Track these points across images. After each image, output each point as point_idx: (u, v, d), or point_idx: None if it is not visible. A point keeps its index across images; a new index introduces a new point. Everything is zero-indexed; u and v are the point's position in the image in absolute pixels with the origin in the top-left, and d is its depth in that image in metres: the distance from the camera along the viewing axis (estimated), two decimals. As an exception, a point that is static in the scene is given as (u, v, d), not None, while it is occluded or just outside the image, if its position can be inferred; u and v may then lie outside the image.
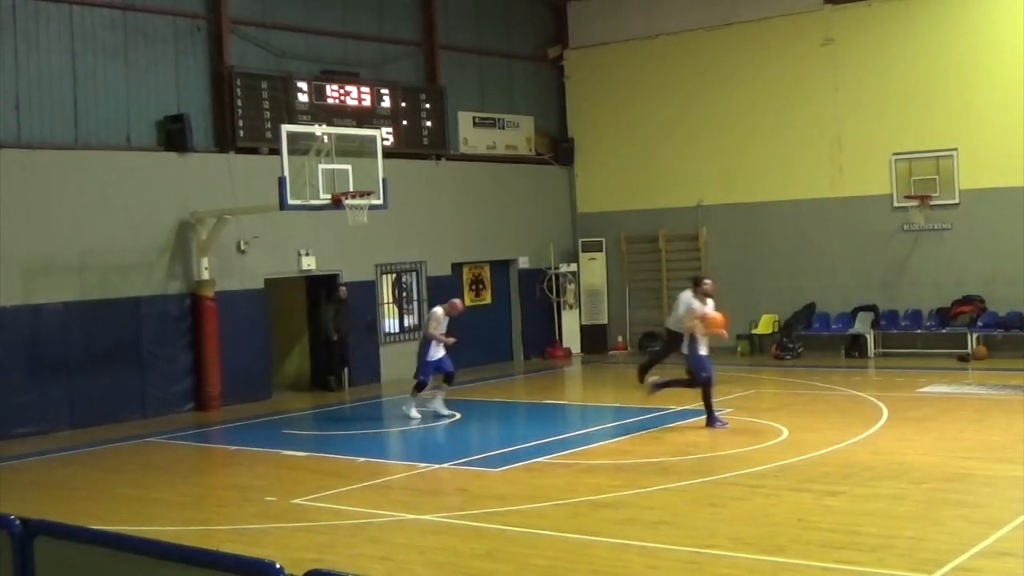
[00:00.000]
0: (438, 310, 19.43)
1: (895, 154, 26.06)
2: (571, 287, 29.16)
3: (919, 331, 25.89)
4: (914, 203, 25.71)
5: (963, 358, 24.54)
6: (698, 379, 17.17)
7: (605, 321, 29.55)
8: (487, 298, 28.07)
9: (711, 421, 16.92)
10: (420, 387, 19.26)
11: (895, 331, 26.18)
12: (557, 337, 29.02)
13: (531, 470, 14.35)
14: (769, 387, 21.94)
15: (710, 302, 17.61)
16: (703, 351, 17.22)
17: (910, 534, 10.37)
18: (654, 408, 18.43)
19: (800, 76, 27.24)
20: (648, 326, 29.08)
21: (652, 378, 19.33)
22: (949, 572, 9.10)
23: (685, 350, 17.50)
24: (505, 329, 28.48)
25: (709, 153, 28.31)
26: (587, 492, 12.68)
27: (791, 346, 26.33)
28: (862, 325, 26.30)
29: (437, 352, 19.18)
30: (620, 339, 29.44)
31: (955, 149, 25.40)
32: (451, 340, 19.27)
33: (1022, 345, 24.65)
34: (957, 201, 25.47)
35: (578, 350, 29.01)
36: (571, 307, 29.18)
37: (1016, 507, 11.10)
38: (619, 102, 29.57)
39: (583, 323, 29.30)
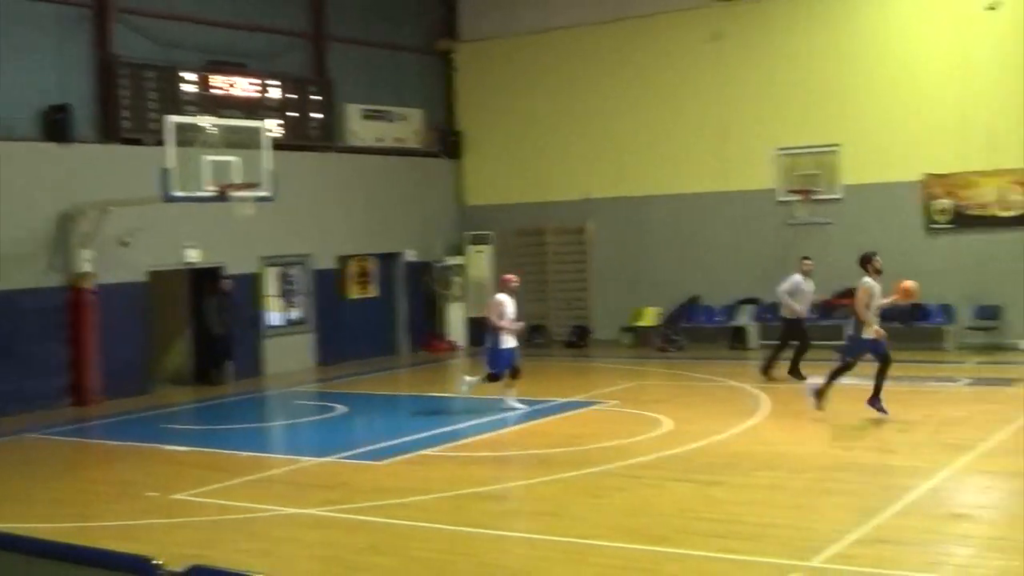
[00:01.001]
0: (501, 296, 18.44)
1: (779, 149, 26.42)
2: (457, 280, 29.12)
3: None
4: (797, 197, 26.10)
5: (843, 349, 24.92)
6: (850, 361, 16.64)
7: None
8: (373, 291, 27.92)
9: (875, 402, 16.21)
10: (493, 379, 18.46)
11: (777, 323, 26.51)
12: (443, 330, 28.98)
13: (415, 463, 14.32)
14: (653, 379, 22.14)
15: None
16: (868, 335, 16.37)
17: (789, 522, 10.53)
18: (536, 400, 18.48)
19: (687, 71, 27.51)
20: (533, 319, 29.17)
21: (808, 383, 17.79)
22: (827, 559, 9.24)
23: (852, 331, 16.84)
24: (391, 322, 28.34)
25: (597, 147, 28.47)
26: (471, 484, 12.68)
27: (675, 338, 26.59)
28: (745, 317, 26.66)
29: (509, 341, 18.39)
30: (506, 332, 29.48)
31: (838, 145, 25.82)
32: (519, 326, 18.64)
33: (901, 337, 25.12)
34: (839, 196, 25.91)
35: (463, 342, 28.99)
36: (456, 300, 29.15)
37: (892, 495, 11.32)
38: (508, 96, 29.61)
39: (469, 316, 29.28)
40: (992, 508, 11.28)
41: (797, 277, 20.81)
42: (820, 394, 16.50)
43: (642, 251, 28.07)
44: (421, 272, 28.76)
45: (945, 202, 25.15)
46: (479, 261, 29.44)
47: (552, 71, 29.01)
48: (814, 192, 26.00)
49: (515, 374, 18.36)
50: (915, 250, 24.92)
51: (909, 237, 25.21)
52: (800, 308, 20.77)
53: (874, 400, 16.07)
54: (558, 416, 17.57)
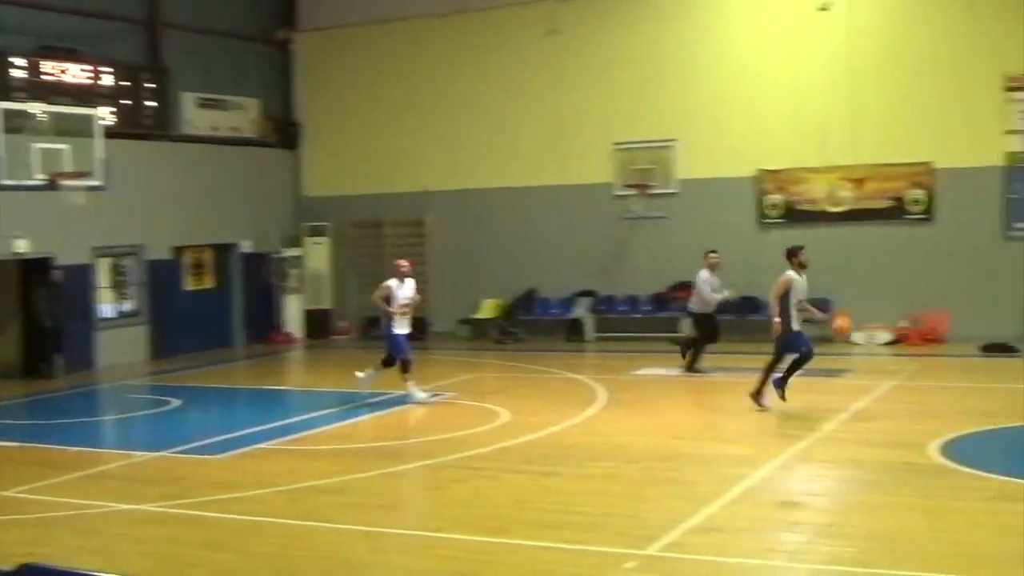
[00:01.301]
0: (389, 281, 18.07)
1: (616, 144, 26.74)
2: (294, 272, 28.86)
3: (636, 316, 26.67)
4: (633, 192, 26.45)
5: (677, 341, 25.35)
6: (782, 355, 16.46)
7: (329, 306, 29.37)
8: (209, 282, 27.50)
9: (763, 393, 16.26)
10: (387, 364, 18.06)
11: (613, 316, 26.90)
12: (280, 322, 28.69)
13: (252, 456, 14.15)
14: (490, 371, 22.21)
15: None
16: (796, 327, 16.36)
17: (624, 512, 10.67)
18: (375, 393, 18.40)
19: (525, 65, 27.65)
20: (372, 311, 29.03)
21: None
22: (661, 548, 9.39)
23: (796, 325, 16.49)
24: (227, 314, 27.92)
25: (436, 139, 28.46)
26: (309, 477, 12.58)
27: (512, 330, 26.72)
28: (581, 310, 26.93)
29: (402, 327, 17.93)
30: (343, 324, 29.32)
31: (673, 140, 26.23)
32: (406, 309, 17.98)
33: (732, 329, 25.64)
34: (674, 190, 26.32)
35: (301, 335, 28.74)
36: (294, 292, 28.87)
37: (725, 484, 11.54)
38: (347, 86, 29.41)
39: (306, 308, 29.04)
40: (822, 496, 11.58)
41: (705, 273, 20.77)
42: (757, 393, 16.34)
43: (481, 244, 28.15)
44: (258, 264, 28.42)
45: (777, 197, 25.73)
46: (317, 253, 29.21)
47: (391, 63, 28.89)
48: (650, 187, 26.37)
49: (405, 366, 17.82)
50: (748, 244, 25.46)
51: (742, 231, 25.74)
52: (716, 299, 20.70)
53: (759, 394, 16.27)
54: (397, 409, 17.52)
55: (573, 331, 26.79)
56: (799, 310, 16.37)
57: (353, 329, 29.15)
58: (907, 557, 9.14)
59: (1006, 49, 23.96)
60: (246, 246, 28.14)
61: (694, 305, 20.90)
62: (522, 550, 9.50)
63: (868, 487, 11.78)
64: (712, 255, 20.95)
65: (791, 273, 16.44)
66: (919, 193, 24.81)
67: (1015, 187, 24.14)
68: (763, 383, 16.22)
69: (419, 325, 28.08)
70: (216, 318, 27.40)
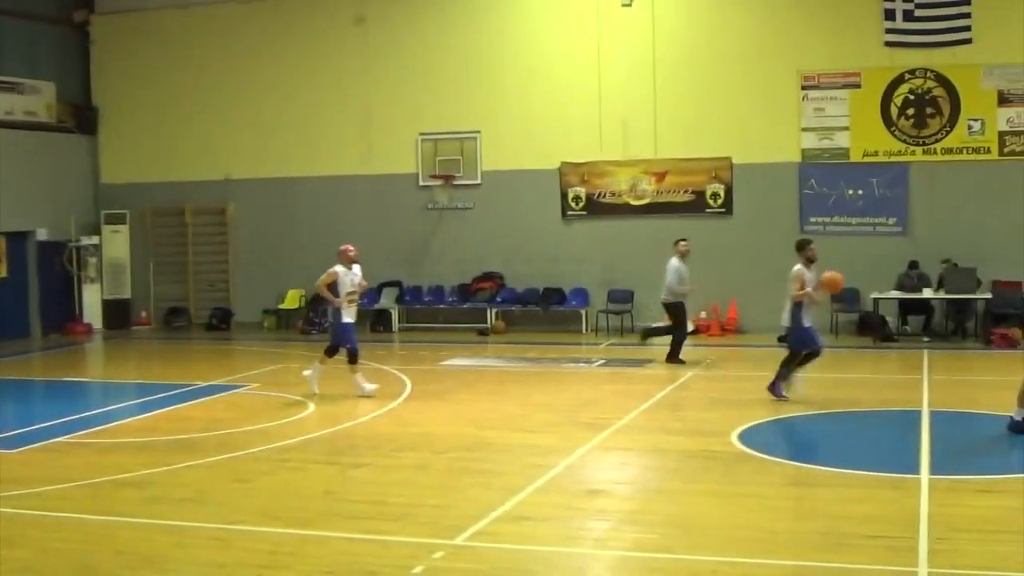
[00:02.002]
0: (335, 268, 17.13)
1: (422, 134, 26.76)
2: (93, 260, 28.13)
3: (441, 306, 26.77)
4: (438, 182, 26.51)
5: (483, 332, 25.56)
6: (798, 351, 16.38)
7: (128, 296, 28.72)
8: (2, 271, 26.63)
9: (776, 388, 16.17)
10: (330, 353, 17.38)
11: (419, 306, 26.93)
12: (78, 312, 27.94)
13: (50, 450, 13.74)
14: (296, 361, 21.94)
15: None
16: (808, 323, 16.33)
17: (433, 502, 10.69)
18: (178, 384, 18.09)
19: (332, 54, 27.47)
20: (173, 301, 28.59)
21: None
22: (469, 537, 9.44)
23: (787, 322, 16.76)
24: (22, 304, 27.10)
25: (240, 127, 28.07)
26: (111, 471, 12.27)
27: (318, 321, 26.51)
28: (387, 300, 26.89)
29: (348, 316, 17.14)
30: (144, 314, 28.72)
31: (478, 131, 26.38)
32: (354, 296, 17.25)
33: (538, 320, 25.96)
34: (479, 182, 26.47)
35: (100, 325, 28.05)
36: (93, 281, 28.15)
37: (532, 473, 11.66)
38: (148, 71, 28.77)
39: (105, 298, 28.35)
40: (627, 484, 11.78)
41: (675, 261, 20.64)
42: (778, 383, 16.24)
43: (286, 233, 27.88)
44: (55, 252, 27.62)
45: (580, 190, 26.07)
46: (116, 241, 28.54)
47: (194, 48, 28.39)
48: (455, 177, 26.48)
49: (352, 356, 17.13)
50: (552, 236, 25.78)
51: (546, 223, 26.05)
52: (683, 290, 20.67)
53: (777, 385, 16.22)
54: (200, 400, 17.23)
55: (379, 321, 26.74)
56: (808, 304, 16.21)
57: (153, 319, 28.58)
58: (708, 542, 9.37)
59: (803, 48, 24.77)
60: (42, 234, 27.34)
61: (666, 295, 20.79)
62: (330, 542, 9.45)
63: (670, 474, 12.03)
64: (682, 243, 20.90)
65: (801, 267, 16.35)
66: (719, 187, 25.44)
67: (810, 182, 24.95)
68: (782, 376, 16.21)
69: (223, 316, 27.83)
70: (10, 308, 26.56)
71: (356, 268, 17.31)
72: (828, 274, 16.31)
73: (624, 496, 11.18)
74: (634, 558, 9.07)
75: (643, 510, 10.60)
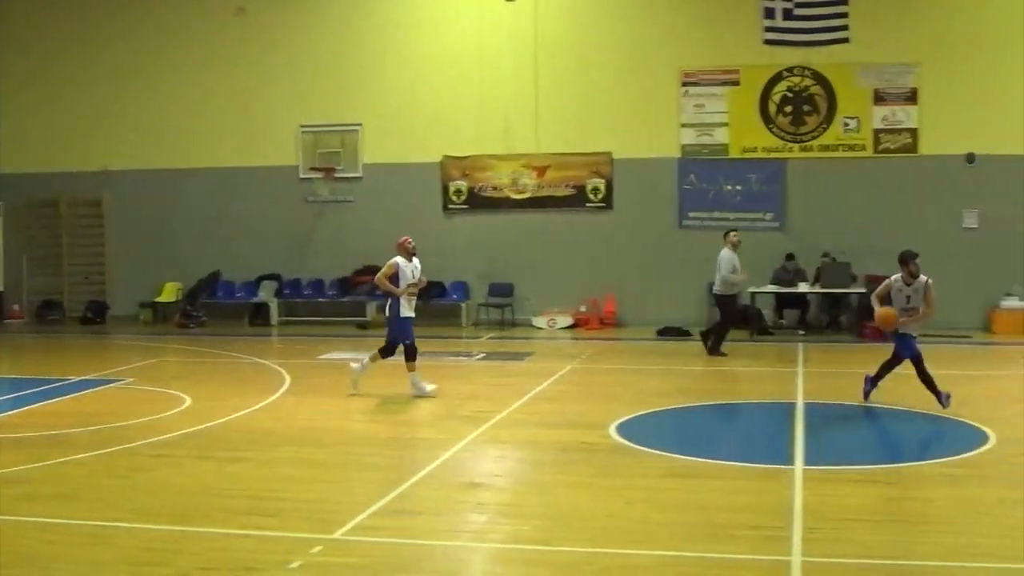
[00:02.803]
0: (395, 259, 16.33)
1: (302, 126, 26.57)
2: (-36, 252, 27.53)
3: (321, 300, 26.61)
4: (319, 175, 26.35)
5: (362, 325, 25.44)
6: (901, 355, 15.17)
7: (0, 289, 28.11)
8: None
9: (939, 398, 14.74)
10: (390, 352, 16.49)
11: (298, 299, 26.75)
12: (-53, 305, 27.33)
13: (-83, 447, 13.40)
14: (172, 356, 21.73)
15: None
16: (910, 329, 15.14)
17: (312, 496, 10.62)
18: (51, 379, 17.75)
19: (212, 44, 27.17)
20: (47, 294, 28.05)
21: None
22: (348, 531, 9.39)
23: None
24: None
25: (117, 117, 27.64)
26: (-20, 468, 12.02)
27: (195, 314, 26.24)
28: (266, 294, 26.67)
29: (407, 310, 16.41)
30: (16, 307, 28.13)
31: (360, 124, 26.26)
32: (413, 291, 16.43)
33: (418, 313, 25.81)
34: (360, 174, 26.36)
35: (-29, 319, 27.46)
36: (-37, 273, 27.55)
37: (411, 466, 11.65)
38: (21, 60, 28.17)
39: (-23, 290, 27.77)
40: (505, 476, 11.80)
41: (726, 252, 20.61)
42: (875, 382, 15.48)
43: (163, 225, 27.51)
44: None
45: (461, 183, 26.08)
46: (-13, 233, 27.95)
47: (67, 35, 27.88)
48: (336, 170, 26.33)
49: (411, 354, 16.32)
50: (433, 229, 25.76)
51: (428, 217, 26.03)
52: (737, 279, 20.67)
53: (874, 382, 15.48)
54: (74, 395, 16.91)
55: (258, 315, 26.52)
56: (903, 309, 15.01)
57: (26, 313, 28.02)
58: (586, 534, 9.43)
59: (683, 44, 25.07)
60: (-90, 225, 26.68)
61: (719, 287, 20.75)
62: (208, 538, 9.34)
63: (548, 467, 12.09)
64: (732, 234, 20.83)
65: (897, 279, 15.07)
66: (599, 182, 25.63)
67: (689, 178, 25.24)
68: (878, 378, 15.45)
69: (98, 309, 27.36)
70: None
71: (415, 261, 16.56)
72: (882, 311, 15.12)
73: (503, 489, 11.21)
74: (512, 550, 9.10)
75: (521, 503, 10.64)
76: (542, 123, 25.67)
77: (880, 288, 15.28)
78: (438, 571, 8.74)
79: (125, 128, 27.60)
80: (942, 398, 14.59)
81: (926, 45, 24.50)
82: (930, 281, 15.01)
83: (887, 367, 15.33)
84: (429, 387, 16.28)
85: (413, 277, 16.40)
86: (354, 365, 16.61)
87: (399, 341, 16.30)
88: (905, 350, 14.96)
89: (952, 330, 22.92)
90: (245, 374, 18.98)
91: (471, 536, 9.53)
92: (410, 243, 16.62)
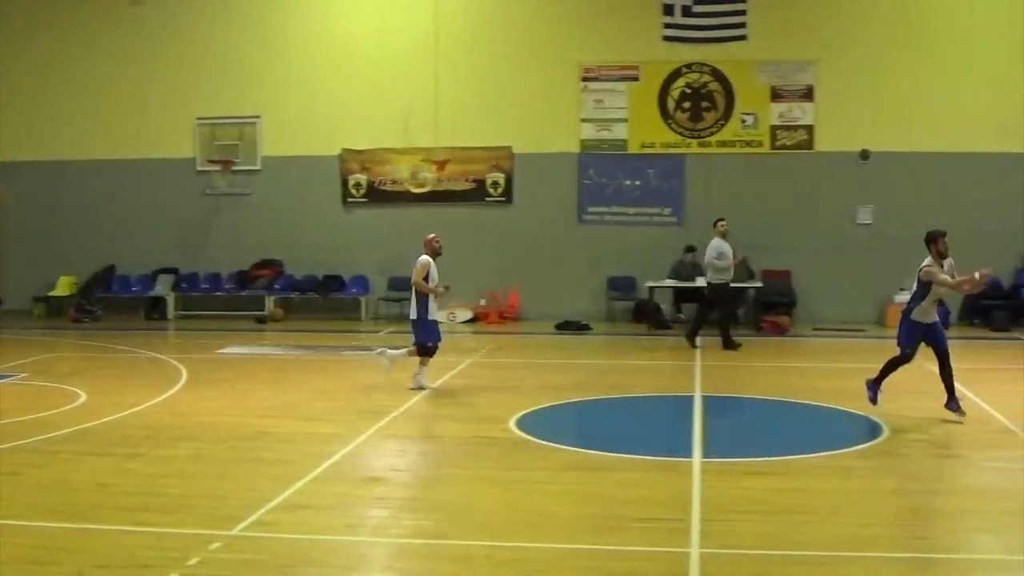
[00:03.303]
0: (424, 258, 16.28)
1: (199, 118, 26.28)
2: None
3: (219, 293, 26.36)
4: (217, 168, 26.08)
5: (261, 320, 25.25)
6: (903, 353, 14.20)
7: None
8: None
9: (952, 404, 13.94)
10: (425, 353, 16.43)
11: (195, 293, 26.46)
12: None
13: None
14: (67, 351, 21.41)
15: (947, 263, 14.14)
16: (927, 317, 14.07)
17: (209, 492, 10.51)
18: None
19: (107, 34, 26.79)
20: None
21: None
22: (246, 527, 9.31)
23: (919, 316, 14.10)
24: None
25: (8, 107, 27.10)
26: None
27: (90, 308, 25.86)
28: (163, 287, 26.36)
29: (436, 310, 16.52)
30: (-95, 301, 27.57)
31: (258, 117, 26.04)
32: (442, 290, 16.40)
33: (317, 307, 25.78)
34: (259, 167, 26.14)
35: None
36: None
37: (311, 461, 11.57)
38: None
39: None
40: (405, 471, 11.79)
41: (718, 241, 20.66)
42: (876, 385, 14.45)
43: (57, 218, 27.08)
44: None
45: (361, 177, 25.98)
46: None
47: (-42, 24, 27.30)
48: (233, 163, 26.09)
49: (431, 353, 16.44)
50: (332, 223, 25.67)
51: (327, 210, 25.92)
52: (725, 265, 20.68)
53: (951, 402, 13.98)
54: (-36, 391, 16.59)
55: (154, 309, 26.20)
56: (934, 300, 14.07)
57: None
58: (486, 527, 9.44)
59: (583, 40, 25.18)
60: None
61: (711, 275, 20.83)
62: (103, 535, 9.21)
63: (449, 461, 12.10)
64: (721, 223, 20.89)
65: (929, 261, 13.98)
66: (499, 176, 25.68)
67: (589, 173, 25.37)
68: (950, 389, 14.04)
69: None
70: None
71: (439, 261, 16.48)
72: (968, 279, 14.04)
73: (403, 483, 11.20)
74: (412, 544, 9.09)
75: (421, 497, 10.64)
76: (442, 117, 25.66)
77: (936, 278, 13.78)
78: (337, 566, 8.70)
79: (16, 118, 27.09)
80: (954, 405, 13.83)
81: (822, 43, 24.86)
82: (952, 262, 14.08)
83: (895, 364, 14.28)
84: (429, 384, 16.32)
85: (439, 277, 16.45)
86: (392, 352, 16.74)
87: (428, 342, 16.37)
88: (942, 340, 14.00)
89: (847, 324, 23.32)
90: (142, 369, 18.75)
91: (371, 531, 9.50)
92: (438, 242, 16.55)
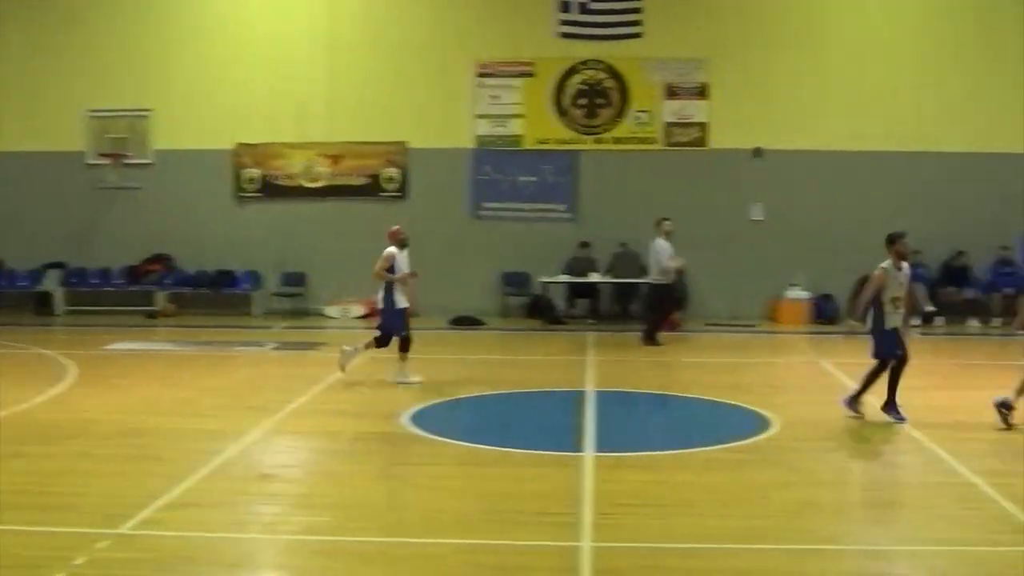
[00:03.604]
0: (390, 249, 16.42)
1: (90, 111, 25.84)
2: None
3: (109, 288, 25.96)
4: (107, 161, 25.68)
5: (152, 315, 24.92)
6: (891, 357, 13.70)
7: None
8: None
9: (890, 408, 13.60)
10: (382, 343, 16.50)
11: (85, 288, 26.04)
12: None
13: None
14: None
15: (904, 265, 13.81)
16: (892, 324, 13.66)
17: (97, 491, 10.35)
18: None
19: (-11, 23, 26.22)
20: None
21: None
22: (135, 526, 9.18)
23: (870, 323, 13.70)
24: None
25: None
26: None
27: (-24, 304, 25.35)
28: (51, 282, 25.90)
29: (402, 300, 16.47)
30: None
31: (150, 110, 25.69)
32: (409, 277, 16.54)
33: (209, 302, 25.50)
34: (150, 161, 25.78)
35: None
36: None
37: (201, 458, 11.43)
38: None
39: None
40: (297, 467, 11.72)
41: (661, 241, 20.61)
42: (855, 400, 13.83)
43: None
44: None
45: (255, 171, 25.76)
46: None
47: None
48: (125, 156, 25.70)
49: (406, 345, 16.40)
50: (225, 218, 25.43)
51: (219, 204, 25.68)
52: (673, 265, 20.69)
53: (890, 406, 13.65)
54: None
55: (42, 304, 25.72)
56: (896, 306, 13.67)
57: None
58: (378, 523, 9.43)
59: (479, 35, 25.22)
60: None
61: (656, 274, 20.76)
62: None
63: (341, 457, 12.04)
64: (666, 223, 20.79)
65: (887, 264, 13.62)
66: (394, 171, 25.61)
67: (484, 169, 25.40)
68: (892, 393, 13.70)
69: None
70: None
71: (406, 251, 16.64)
72: None
73: (295, 480, 11.13)
74: (304, 541, 9.03)
75: (313, 493, 10.58)
76: (337, 112, 25.51)
77: (873, 283, 13.59)
78: (227, 564, 8.62)
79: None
80: (895, 411, 13.56)
81: (716, 42, 25.12)
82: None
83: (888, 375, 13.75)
84: (415, 377, 16.26)
85: (407, 266, 16.59)
86: (346, 348, 16.64)
87: (394, 332, 16.44)
88: (898, 348, 13.64)
89: (738, 319, 23.61)
90: (28, 365, 18.40)
91: (262, 528, 9.42)
92: (402, 233, 16.65)
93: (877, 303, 13.57)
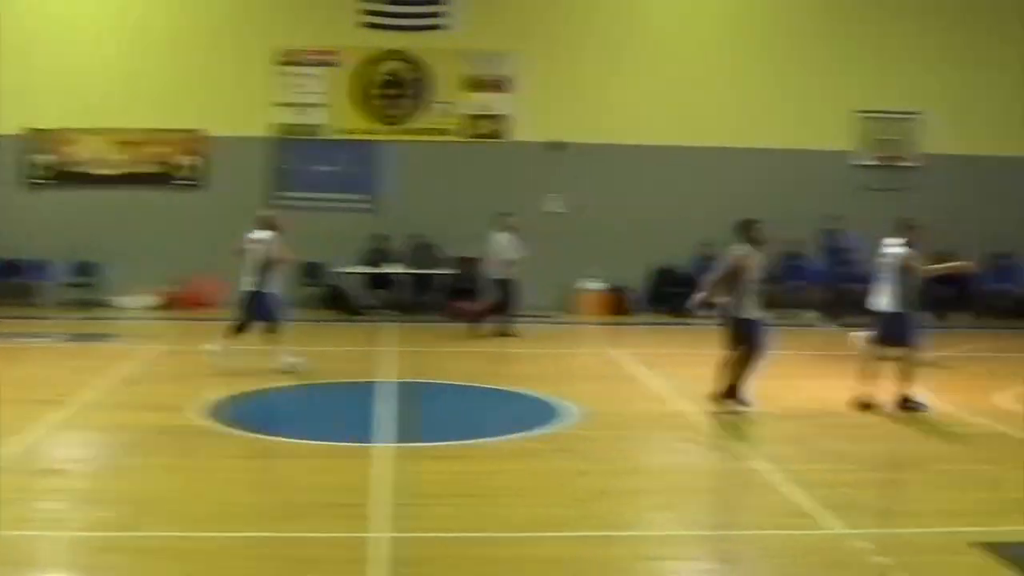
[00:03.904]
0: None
1: None
2: None
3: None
4: None
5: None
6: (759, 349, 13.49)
7: None
8: None
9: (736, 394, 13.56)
10: (240, 330, 16.54)
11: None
12: None
13: None
14: None
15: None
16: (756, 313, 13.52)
17: None
18: None
19: None
20: None
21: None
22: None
23: (744, 314, 13.39)
24: None
25: None
26: None
27: None
28: None
29: (275, 285, 16.51)
30: None
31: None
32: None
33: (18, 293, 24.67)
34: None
35: None
36: None
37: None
38: None
39: None
40: (85, 462, 11.37)
41: (506, 236, 20.74)
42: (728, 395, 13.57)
43: None
44: None
45: (47, 158, 25.02)
46: None
47: None
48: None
49: (274, 330, 16.39)
50: (15, 205, 24.68)
51: (9, 192, 24.88)
52: (513, 259, 20.66)
53: (735, 391, 13.60)
54: None
55: None
56: (758, 293, 13.55)
57: None
58: (168, 518, 9.21)
59: (281, 23, 24.98)
60: None
61: (499, 271, 20.80)
62: None
63: (131, 450, 11.72)
64: (513, 219, 20.86)
65: (748, 248, 13.55)
66: (191, 159, 25.14)
67: (283, 157, 25.13)
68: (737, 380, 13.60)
69: None
70: None
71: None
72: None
73: (81, 474, 10.77)
74: (91, 537, 8.76)
75: (102, 488, 10.28)
76: (132, 98, 24.86)
77: (739, 265, 13.44)
78: (9, 562, 8.27)
79: None
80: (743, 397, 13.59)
81: (522, 35, 25.27)
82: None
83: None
84: (294, 359, 16.22)
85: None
86: (210, 347, 16.42)
87: (271, 319, 16.41)
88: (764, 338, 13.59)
89: (535, 310, 23.76)
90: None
91: (44, 524, 9.10)
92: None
93: (738, 288, 13.40)
